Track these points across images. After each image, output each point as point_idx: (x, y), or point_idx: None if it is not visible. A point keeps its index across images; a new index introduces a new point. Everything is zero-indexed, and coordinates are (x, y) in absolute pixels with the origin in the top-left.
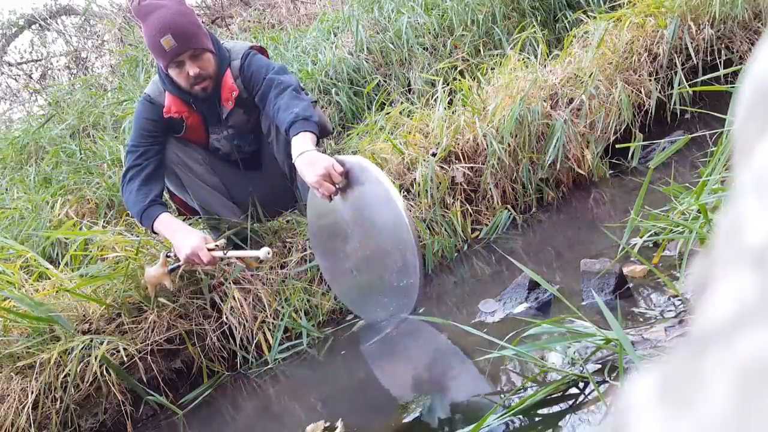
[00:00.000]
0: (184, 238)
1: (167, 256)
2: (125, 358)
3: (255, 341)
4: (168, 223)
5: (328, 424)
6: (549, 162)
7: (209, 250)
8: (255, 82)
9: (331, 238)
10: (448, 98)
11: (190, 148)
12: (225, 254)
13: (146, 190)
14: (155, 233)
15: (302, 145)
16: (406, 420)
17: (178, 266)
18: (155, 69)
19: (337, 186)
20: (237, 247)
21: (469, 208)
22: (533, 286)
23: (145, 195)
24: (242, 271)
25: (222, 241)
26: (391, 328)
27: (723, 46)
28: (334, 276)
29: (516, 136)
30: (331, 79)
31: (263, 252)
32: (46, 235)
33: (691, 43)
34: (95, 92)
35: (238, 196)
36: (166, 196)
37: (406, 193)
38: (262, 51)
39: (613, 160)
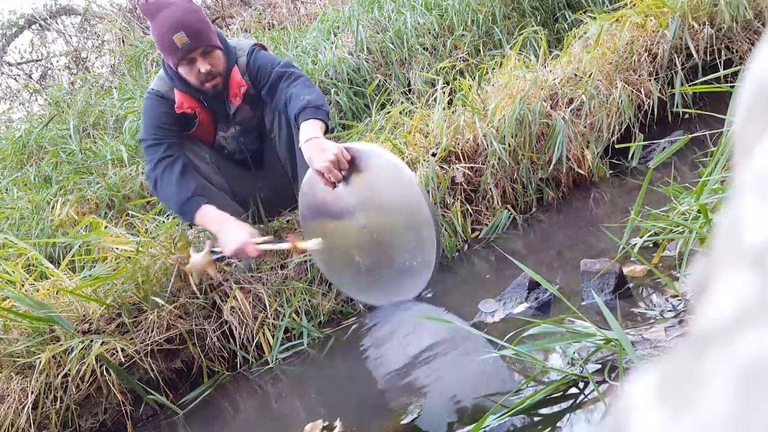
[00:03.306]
0: (231, 232)
1: (212, 250)
2: (125, 358)
3: (255, 341)
4: (213, 216)
5: (326, 423)
6: (554, 160)
7: (256, 244)
8: (262, 76)
9: (330, 227)
10: (448, 98)
11: (198, 146)
12: (274, 246)
13: (186, 182)
14: (195, 225)
15: (310, 131)
16: (404, 421)
17: (223, 256)
18: (156, 68)
19: (343, 173)
20: None
21: (469, 208)
22: (533, 286)
23: (186, 187)
24: (243, 272)
25: (269, 237)
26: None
27: (723, 46)
28: (333, 265)
29: (516, 136)
30: (331, 79)
31: (313, 243)
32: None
33: (692, 42)
34: (97, 92)
35: (241, 196)
36: None
37: None
38: (264, 49)
39: (613, 160)
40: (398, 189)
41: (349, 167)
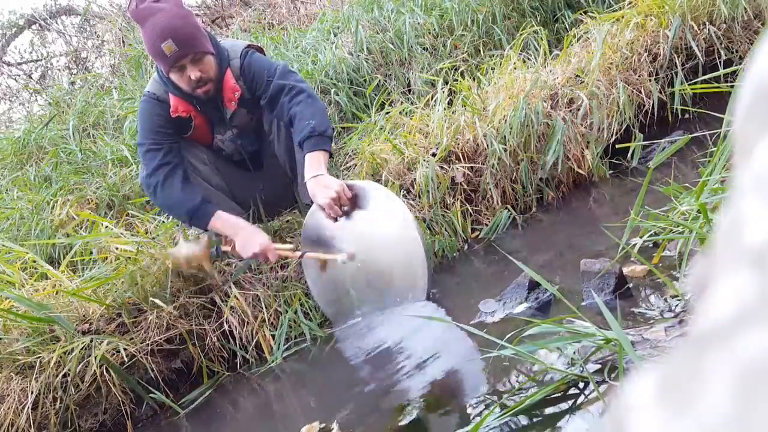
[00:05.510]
0: (251, 236)
1: (219, 250)
2: (125, 358)
3: (255, 341)
4: (229, 220)
5: (323, 425)
6: (550, 162)
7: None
8: (258, 83)
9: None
10: (448, 98)
11: (196, 148)
12: (302, 256)
13: (192, 189)
14: (206, 230)
15: (315, 167)
16: (403, 421)
17: (225, 255)
18: (155, 68)
19: (344, 209)
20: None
21: (469, 208)
22: (533, 286)
23: (192, 193)
24: (243, 273)
25: (291, 245)
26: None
27: (723, 46)
28: (327, 295)
29: (516, 136)
30: (331, 79)
31: (341, 257)
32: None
33: (693, 42)
34: (97, 92)
35: (240, 197)
36: None
37: (406, 193)
38: (260, 50)
39: (613, 160)
40: (393, 227)
41: (351, 204)
